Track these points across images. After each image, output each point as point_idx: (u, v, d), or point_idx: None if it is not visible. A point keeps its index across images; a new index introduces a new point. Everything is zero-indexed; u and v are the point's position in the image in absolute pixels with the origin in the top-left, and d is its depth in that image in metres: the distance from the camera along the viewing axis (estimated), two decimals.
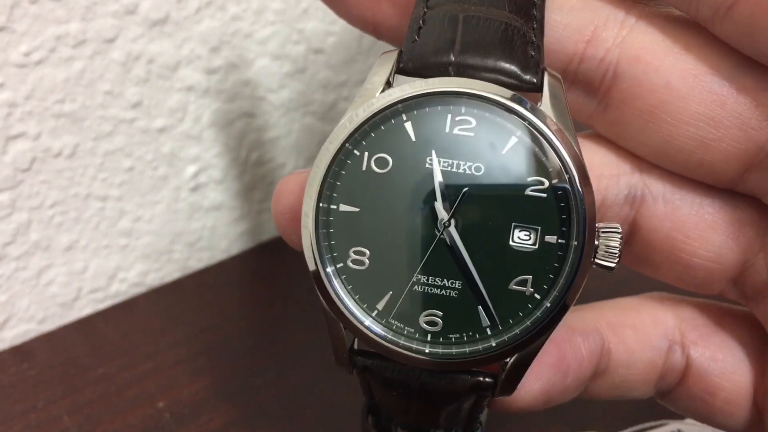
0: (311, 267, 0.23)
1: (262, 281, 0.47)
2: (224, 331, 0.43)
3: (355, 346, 0.24)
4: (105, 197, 0.42)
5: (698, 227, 0.25)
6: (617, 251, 0.23)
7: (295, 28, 0.44)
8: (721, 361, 0.27)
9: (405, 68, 0.24)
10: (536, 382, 0.25)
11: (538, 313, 0.23)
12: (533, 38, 0.24)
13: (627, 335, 0.27)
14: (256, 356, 0.41)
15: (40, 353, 0.41)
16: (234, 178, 0.46)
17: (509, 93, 0.23)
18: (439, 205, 0.23)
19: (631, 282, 0.30)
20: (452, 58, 0.23)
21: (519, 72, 0.23)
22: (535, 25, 0.24)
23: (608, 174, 0.26)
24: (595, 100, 0.25)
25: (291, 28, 0.44)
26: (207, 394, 0.38)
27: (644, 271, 0.27)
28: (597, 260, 0.23)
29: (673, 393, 0.28)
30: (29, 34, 0.36)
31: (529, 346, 0.23)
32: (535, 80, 0.23)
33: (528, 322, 0.23)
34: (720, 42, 0.23)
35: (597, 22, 0.24)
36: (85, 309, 0.44)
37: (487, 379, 0.23)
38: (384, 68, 0.24)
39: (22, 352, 0.41)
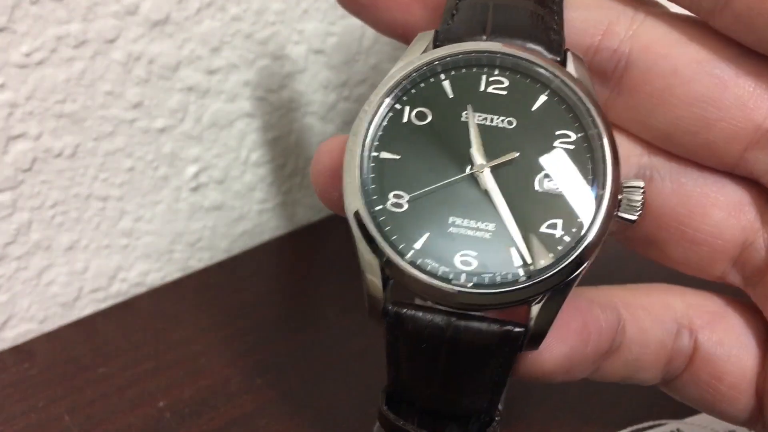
0: (353, 208, 0.25)
1: (263, 281, 0.47)
2: (224, 330, 0.43)
3: (388, 297, 0.25)
4: (106, 197, 0.42)
5: (701, 203, 0.27)
6: (639, 205, 0.24)
7: (296, 29, 0.44)
8: (728, 346, 0.28)
9: (441, 45, 0.26)
10: (561, 345, 0.26)
11: (566, 254, 0.24)
12: (554, 26, 0.26)
13: (640, 315, 0.28)
14: (257, 356, 0.41)
15: (40, 353, 0.41)
16: (234, 178, 0.47)
17: (536, 56, 0.25)
18: (474, 151, 0.25)
19: (635, 281, 0.31)
20: (484, 37, 0.26)
21: (544, 51, 0.26)
22: (555, 17, 0.26)
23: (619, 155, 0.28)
24: (609, 88, 0.28)
25: (291, 29, 0.44)
26: (207, 394, 0.39)
27: (652, 254, 0.29)
28: (620, 213, 0.24)
29: (679, 379, 0.29)
30: (30, 34, 0.36)
31: (557, 284, 0.24)
32: (558, 58, 0.26)
33: (556, 261, 0.24)
34: (721, 35, 0.26)
35: (611, 18, 0.27)
36: (86, 309, 0.44)
37: (516, 329, 0.24)
38: (422, 42, 0.26)
39: (22, 351, 0.41)
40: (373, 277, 0.25)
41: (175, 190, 0.44)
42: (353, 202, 0.25)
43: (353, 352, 0.41)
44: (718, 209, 0.27)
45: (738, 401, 0.28)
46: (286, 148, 0.48)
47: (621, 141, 0.28)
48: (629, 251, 0.30)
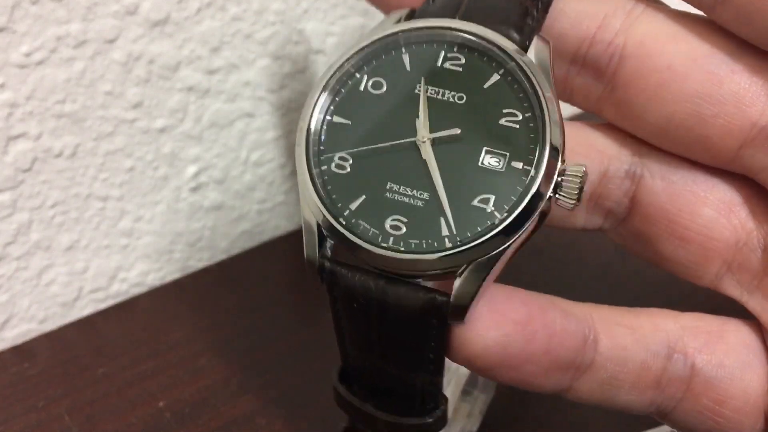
0: (301, 168, 0.26)
1: (262, 281, 0.47)
2: (224, 330, 0.43)
3: (326, 256, 0.26)
4: (106, 197, 0.42)
5: (690, 201, 0.27)
6: (576, 190, 0.24)
7: (296, 29, 0.44)
8: (729, 367, 0.27)
9: None
10: (493, 331, 0.25)
11: (493, 229, 0.24)
12: (534, 13, 0.26)
13: (620, 332, 0.27)
14: (256, 356, 0.41)
15: (41, 353, 0.41)
16: (234, 178, 0.47)
17: (499, 35, 0.26)
18: (419, 123, 0.25)
19: (628, 286, 0.31)
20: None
21: (513, 34, 0.26)
22: (540, 5, 0.26)
23: (610, 153, 0.28)
24: (603, 83, 0.27)
25: (291, 29, 0.44)
26: (207, 394, 0.39)
27: (646, 253, 0.29)
28: (558, 195, 0.25)
29: (678, 408, 0.27)
30: (30, 34, 0.36)
31: (480, 256, 0.24)
32: (527, 42, 0.26)
33: (483, 234, 0.24)
34: (718, 31, 0.26)
35: (607, 11, 0.27)
36: (86, 309, 0.44)
37: (440, 298, 0.24)
38: (394, 17, 0.27)
39: (23, 351, 0.41)
40: (310, 236, 0.26)
41: (175, 190, 0.44)
42: (300, 162, 0.26)
43: None
44: (707, 207, 0.27)
45: (743, 425, 0.27)
46: (286, 148, 0.48)
47: (613, 140, 0.28)
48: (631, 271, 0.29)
